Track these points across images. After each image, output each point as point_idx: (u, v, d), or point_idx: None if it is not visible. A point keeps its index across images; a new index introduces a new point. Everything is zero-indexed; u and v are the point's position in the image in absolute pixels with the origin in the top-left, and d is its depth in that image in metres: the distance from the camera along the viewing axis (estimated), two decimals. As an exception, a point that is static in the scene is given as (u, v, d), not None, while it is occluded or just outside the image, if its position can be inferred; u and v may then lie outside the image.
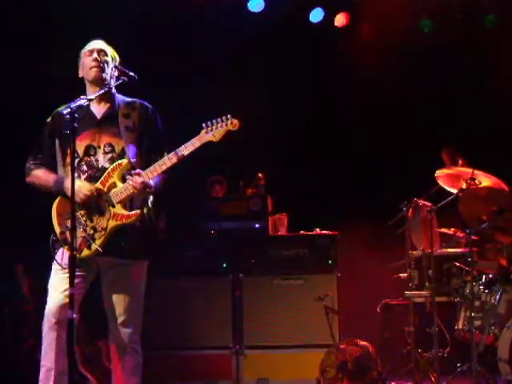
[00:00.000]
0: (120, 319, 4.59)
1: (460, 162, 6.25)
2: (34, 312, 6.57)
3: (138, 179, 4.38)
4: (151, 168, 4.46)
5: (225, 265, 6.99)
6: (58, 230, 4.55)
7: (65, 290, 4.31)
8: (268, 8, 8.58)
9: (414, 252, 6.40)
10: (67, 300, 4.07)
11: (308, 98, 8.62)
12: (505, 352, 5.39)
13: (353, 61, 8.44)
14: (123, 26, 7.27)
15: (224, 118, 4.40)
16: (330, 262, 6.94)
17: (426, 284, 6.17)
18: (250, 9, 8.61)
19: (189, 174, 5.80)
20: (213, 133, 4.40)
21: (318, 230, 7.14)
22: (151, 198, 4.70)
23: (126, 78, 4.58)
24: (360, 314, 7.17)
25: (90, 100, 4.29)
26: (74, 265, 3.90)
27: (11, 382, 6.68)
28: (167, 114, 4.89)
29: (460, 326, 6.13)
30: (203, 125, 4.40)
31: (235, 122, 4.41)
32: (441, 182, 6.37)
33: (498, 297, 5.86)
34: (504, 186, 6.23)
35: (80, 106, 4.12)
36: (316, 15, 8.79)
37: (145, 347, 4.92)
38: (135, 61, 4.82)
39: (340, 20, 8.75)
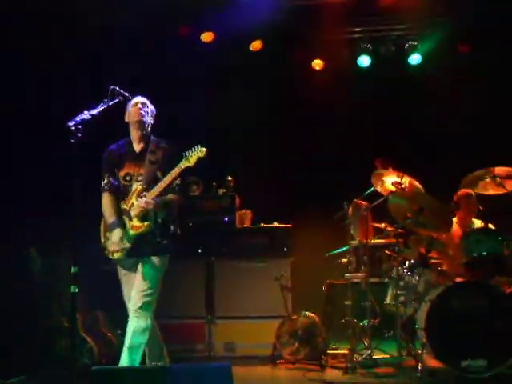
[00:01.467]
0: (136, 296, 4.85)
1: (390, 168, 6.27)
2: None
3: (141, 200, 4.80)
4: (152, 190, 4.81)
5: (200, 250, 7.05)
6: (102, 239, 5.02)
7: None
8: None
9: (352, 242, 6.42)
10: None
11: (270, 109, 8.65)
12: (422, 321, 5.52)
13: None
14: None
15: (196, 148, 4.75)
16: (285, 249, 7.02)
17: (362, 267, 6.31)
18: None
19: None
20: (188, 160, 4.74)
21: (276, 223, 7.21)
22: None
23: (121, 98, 4.60)
24: (309, 292, 7.14)
25: (92, 115, 4.29)
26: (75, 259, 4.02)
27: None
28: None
29: (388, 301, 6.23)
30: (183, 154, 4.75)
31: (204, 150, 4.74)
32: (374, 185, 6.42)
33: (417, 278, 5.93)
34: (422, 189, 6.28)
35: (84, 120, 4.19)
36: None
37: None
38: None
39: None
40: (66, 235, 4.21)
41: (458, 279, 5.75)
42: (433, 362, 5.54)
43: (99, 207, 5.00)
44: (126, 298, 5.02)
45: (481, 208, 6.43)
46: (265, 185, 8.14)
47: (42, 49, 7.08)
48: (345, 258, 6.55)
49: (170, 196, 4.94)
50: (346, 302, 6.39)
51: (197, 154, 4.73)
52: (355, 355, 6.09)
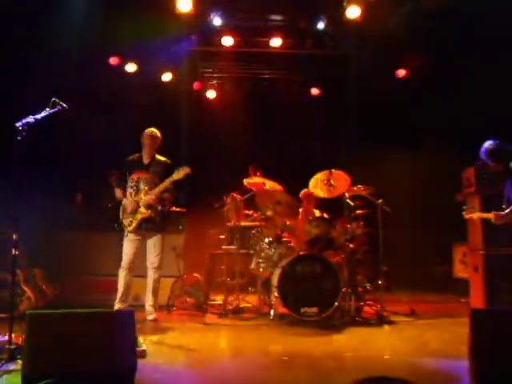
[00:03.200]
0: (152, 259, 5.65)
1: (258, 173, 6.44)
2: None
3: (147, 197, 5.53)
4: (154, 190, 5.52)
5: (116, 225, 6.82)
6: (121, 217, 5.68)
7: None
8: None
9: (228, 223, 6.43)
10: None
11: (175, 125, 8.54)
12: (275, 281, 5.56)
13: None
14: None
15: (184, 166, 5.38)
16: (180, 226, 6.91)
17: (235, 242, 6.26)
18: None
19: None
20: (178, 174, 5.38)
21: (174, 207, 7.03)
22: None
23: (60, 108, 4.34)
24: (196, 258, 7.13)
25: (36, 119, 4.15)
26: (17, 227, 3.91)
27: None
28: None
29: (253, 266, 6.19)
30: (175, 169, 5.39)
31: (188, 168, 5.39)
32: (247, 185, 6.46)
33: (273, 250, 6.01)
34: (280, 187, 6.37)
35: (29, 123, 4.06)
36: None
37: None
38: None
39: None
40: (9, 208, 4.08)
41: (302, 252, 5.82)
42: (282, 309, 5.62)
43: (38, 187, 5.14)
44: (126, 257, 5.62)
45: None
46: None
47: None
48: (223, 234, 6.58)
49: (166, 195, 5.59)
50: (222, 267, 6.45)
51: (184, 170, 5.35)
52: (227, 304, 6.13)
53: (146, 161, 5.73)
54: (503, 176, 4.88)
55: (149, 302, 5.72)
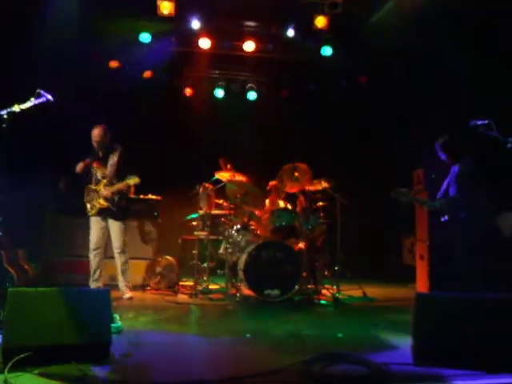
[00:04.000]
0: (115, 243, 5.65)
1: (228, 166, 6.41)
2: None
3: (104, 192, 5.55)
4: (109, 189, 5.53)
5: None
6: (84, 199, 5.69)
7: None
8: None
9: (200, 211, 6.42)
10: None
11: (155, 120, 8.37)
12: (242, 265, 5.60)
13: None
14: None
15: (134, 176, 5.45)
16: (155, 213, 6.90)
17: (206, 228, 6.30)
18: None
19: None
20: (130, 181, 5.47)
21: (150, 195, 7.02)
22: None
23: (45, 99, 4.29)
24: (169, 243, 7.11)
25: (21, 109, 4.12)
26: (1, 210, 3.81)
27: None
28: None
29: (221, 251, 6.29)
30: (128, 176, 5.46)
31: (138, 179, 5.45)
32: (218, 177, 6.46)
33: (241, 237, 6.05)
34: (247, 180, 6.37)
35: (15, 112, 4.02)
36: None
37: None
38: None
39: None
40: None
41: (266, 239, 5.86)
42: (247, 291, 5.67)
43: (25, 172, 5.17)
44: (92, 239, 5.61)
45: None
46: (144, 170, 7.97)
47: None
48: (195, 221, 6.56)
49: (120, 185, 5.51)
50: (193, 251, 6.40)
51: (134, 180, 5.44)
52: (198, 286, 6.15)
53: (100, 154, 5.71)
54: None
55: (120, 282, 5.71)
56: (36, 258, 6.22)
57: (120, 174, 5.60)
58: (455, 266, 4.56)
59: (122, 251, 5.68)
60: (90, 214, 5.66)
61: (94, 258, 5.64)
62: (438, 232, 5.87)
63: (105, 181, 5.62)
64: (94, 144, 5.64)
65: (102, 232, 5.65)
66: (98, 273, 5.64)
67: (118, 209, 5.63)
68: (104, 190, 5.58)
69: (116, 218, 5.65)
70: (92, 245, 5.64)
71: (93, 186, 5.68)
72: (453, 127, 5.00)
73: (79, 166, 5.62)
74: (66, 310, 3.18)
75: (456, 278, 4.46)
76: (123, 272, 5.72)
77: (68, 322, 3.15)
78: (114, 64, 8.06)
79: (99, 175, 5.66)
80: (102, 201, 5.60)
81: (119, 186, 5.55)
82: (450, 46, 6.27)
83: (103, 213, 5.63)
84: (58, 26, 6.39)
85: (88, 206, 5.67)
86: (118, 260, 5.70)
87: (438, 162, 6.14)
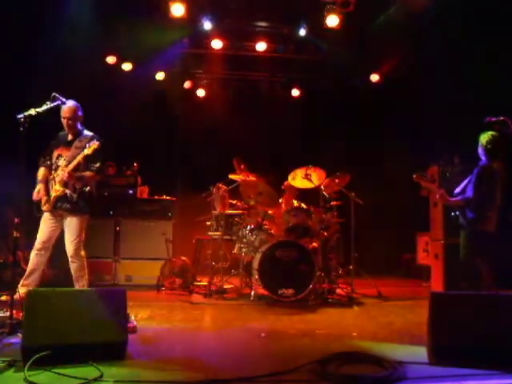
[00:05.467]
0: (67, 245, 4.63)
1: (242, 166, 6.39)
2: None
3: (60, 173, 4.58)
4: (68, 166, 4.55)
5: (111, 212, 6.85)
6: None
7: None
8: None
9: (214, 211, 6.39)
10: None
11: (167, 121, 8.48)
12: (256, 265, 5.59)
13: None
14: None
15: (94, 141, 4.51)
16: (169, 214, 6.94)
17: (220, 229, 6.26)
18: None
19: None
20: (89, 149, 4.48)
21: (165, 196, 7.10)
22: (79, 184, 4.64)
23: (60, 102, 4.34)
24: (184, 243, 7.16)
25: (38, 112, 4.02)
26: (19, 212, 3.81)
27: None
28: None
29: (235, 251, 6.23)
30: (86, 144, 4.51)
31: (97, 143, 4.50)
32: (232, 177, 6.41)
33: (255, 237, 6.04)
34: (263, 180, 6.32)
35: (31, 115, 3.94)
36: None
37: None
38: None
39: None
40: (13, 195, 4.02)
41: (280, 239, 5.83)
42: (261, 291, 5.64)
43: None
44: (38, 236, 4.63)
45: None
46: (159, 171, 8.04)
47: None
48: (209, 221, 6.55)
49: (86, 172, 4.61)
50: (207, 251, 6.42)
51: (93, 146, 4.47)
52: (212, 285, 6.15)
53: (70, 137, 4.77)
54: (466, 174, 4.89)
55: None
56: (53, 259, 6.29)
57: (87, 168, 4.64)
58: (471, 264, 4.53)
59: (74, 255, 4.60)
60: (42, 208, 4.64)
61: (32, 257, 4.60)
62: (454, 232, 5.82)
63: (63, 164, 4.62)
64: (64, 122, 4.69)
65: (53, 229, 4.64)
66: (31, 274, 4.56)
67: (79, 198, 4.62)
68: (61, 173, 4.59)
69: (73, 211, 4.60)
70: (36, 242, 4.61)
71: (52, 175, 4.71)
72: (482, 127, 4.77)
73: (34, 195, 4.69)
74: (82, 309, 3.23)
75: (471, 277, 4.42)
76: (77, 280, 4.66)
77: (85, 321, 3.19)
78: (126, 66, 8.10)
79: (61, 161, 4.67)
80: (57, 186, 4.60)
81: (75, 160, 4.54)
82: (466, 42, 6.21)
83: (58, 204, 4.59)
84: (70, 27, 6.44)
85: (43, 200, 4.65)
86: (71, 267, 4.64)
87: (451, 160, 6.10)
